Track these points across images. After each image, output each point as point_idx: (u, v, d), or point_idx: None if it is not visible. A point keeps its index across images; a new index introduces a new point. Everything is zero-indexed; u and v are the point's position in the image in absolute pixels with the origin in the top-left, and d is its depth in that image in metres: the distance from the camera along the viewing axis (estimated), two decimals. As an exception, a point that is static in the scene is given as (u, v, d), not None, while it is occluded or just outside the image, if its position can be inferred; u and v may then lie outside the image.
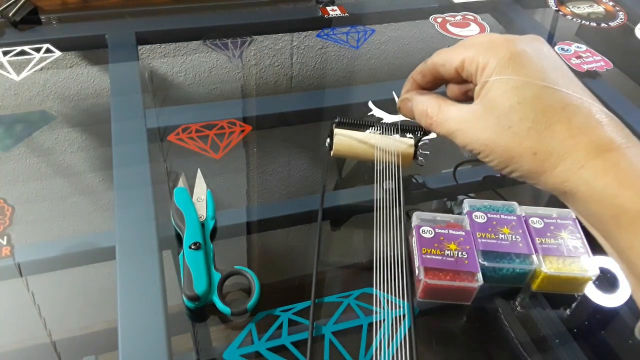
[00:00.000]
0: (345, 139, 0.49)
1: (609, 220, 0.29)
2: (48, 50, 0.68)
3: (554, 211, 0.48)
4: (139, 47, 0.70)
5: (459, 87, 0.38)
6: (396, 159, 0.48)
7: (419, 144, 0.49)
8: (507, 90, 0.32)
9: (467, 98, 0.36)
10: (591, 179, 0.29)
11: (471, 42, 0.36)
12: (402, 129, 0.50)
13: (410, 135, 0.50)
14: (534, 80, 0.31)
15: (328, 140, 0.51)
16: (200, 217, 0.47)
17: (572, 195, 0.30)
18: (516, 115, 0.31)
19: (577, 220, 0.47)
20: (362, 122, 0.48)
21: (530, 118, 0.31)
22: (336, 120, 0.49)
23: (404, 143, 0.50)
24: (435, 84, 0.40)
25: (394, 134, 0.50)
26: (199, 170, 0.52)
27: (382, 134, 0.49)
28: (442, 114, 0.36)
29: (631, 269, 0.28)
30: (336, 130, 0.50)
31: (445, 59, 0.37)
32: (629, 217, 0.28)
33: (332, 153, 0.50)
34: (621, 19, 0.84)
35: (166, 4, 0.79)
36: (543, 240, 0.45)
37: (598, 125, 0.30)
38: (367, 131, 0.50)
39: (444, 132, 0.36)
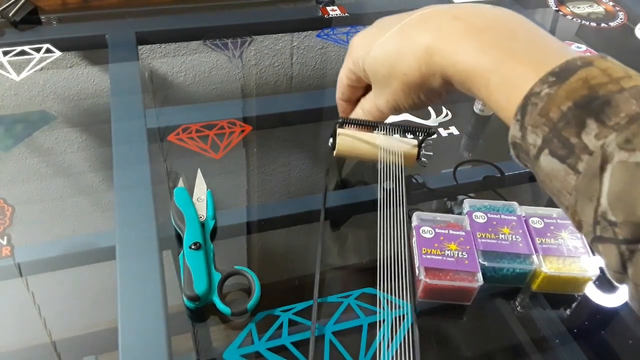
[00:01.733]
0: (348, 139, 0.49)
1: (464, 86, 0.34)
2: (48, 50, 0.68)
3: (554, 211, 0.48)
4: (139, 47, 0.70)
5: None
6: (399, 160, 0.48)
7: (422, 144, 0.49)
8: (365, 67, 0.41)
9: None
10: (440, 61, 0.34)
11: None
12: (405, 129, 0.50)
13: (414, 136, 0.50)
14: (372, 39, 0.40)
15: (331, 140, 0.51)
16: (200, 217, 0.47)
17: (449, 79, 0.35)
18: (379, 66, 0.39)
19: (577, 220, 0.47)
20: (366, 122, 0.48)
21: (385, 58, 0.38)
22: (339, 120, 0.49)
23: (408, 144, 0.50)
24: (359, 100, 0.47)
25: (397, 134, 0.50)
26: (199, 170, 0.52)
27: (386, 134, 0.49)
28: (367, 102, 0.45)
29: (497, 115, 0.32)
30: (339, 130, 0.50)
31: (340, 88, 0.47)
32: (468, 77, 0.32)
33: (335, 153, 0.50)
34: (621, 19, 0.84)
35: (166, 4, 0.79)
36: (543, 241, 0.45)
37: (424, 25, 0.36)
38: (370, 131, 0.50)
39: (380, 117, 0.45)
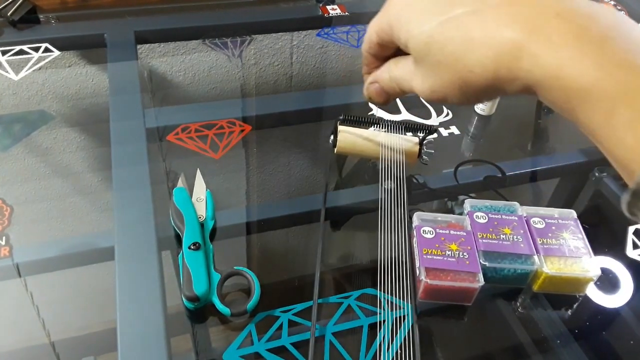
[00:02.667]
0: (349, 136, 0.49)
1: (564, 105, 0.27)
2: (47, 50, 0.68)
3: (555, 211, 0.48)
4: (138, 46, 0.70)
5: None
6: (401, 157, 0.48)
7: (424, 142, 0.49)
8: (410, 45, 0.32)
9: None
10: (532, 68, 0.27)
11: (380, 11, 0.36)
12: (407, 127, 0.49)
13: (414, 134, 0.50)
14: (430, 12, 0.31)
15: (332, 137, 0.51)
16: (200, 218, 0.46)
17: (532, 90, 0.28)
18: (435, 49, 0.31)
19: (578, 221, 0.47)
20: (367, 120, 0.48)
21: (446, 42, 0.30)
22: (340, 117, 0.49)
23: (409, 141, 0.49)
24: (385, 62, 0.39)
25: (398, 132, 0.50)
26: (198, 170, 0.52)
27: (387, 131, 0.49)
28: (398, 69, 0.36)
29: (604, 148, 0.26)
30: (340, 127, 0.50)
31: (368, 42, 0.38)
32: (578, 97, 0.26)
33: (335, 150, 0.50)
34: (622, 18, 0.84)
35: (165, 3, 0.78)
36: (544, 241, 0.45)
37: (513, 13, 0.28)
38: (371, 129, 0.50)
39: (406, 88, 0.36)
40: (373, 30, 0.36)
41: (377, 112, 0.62)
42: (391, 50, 0.38)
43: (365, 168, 0.56)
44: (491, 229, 0.45)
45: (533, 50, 0.27)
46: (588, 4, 0.27)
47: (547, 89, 0.27)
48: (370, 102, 0.40)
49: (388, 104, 0.40)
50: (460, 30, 0.29)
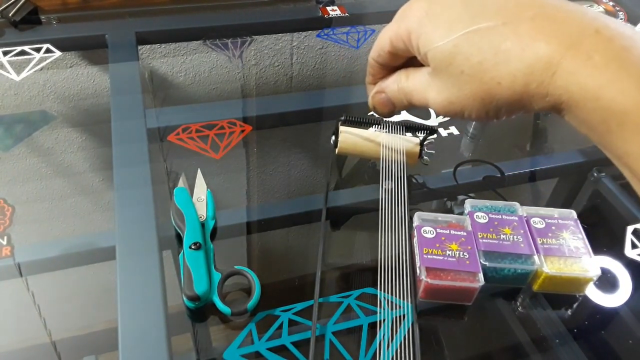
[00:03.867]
0: (350, 137, 0.50)
1: (598, 127, 0.26)
2: (48, 50, 0.68)
3: (555, 211, 0.48)
4: (139, 47, 0.70)
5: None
6: (402, 158, 0.48)
7: (425, 142, 0.49)
8: (430, 56, 0.31)
9: None
10: (568, 85, 0.26)
11: (394, 19, 0.34)
12: (408, 127, 0.50)
13: (415, 134, 0.50)
14: (457, 21, 0.30)
15: (333, 137, 0.51)
16: (201, 217, 0.46)
17: (561, 108, 0.27)
18: (459, 59, 0.29)
19: (578, 221, 0.47)
20: (368, 120, 0.49)
21: (473, 52, 0.29)
22: (342, 118, 0.49)
23: (410, 142, 0.50)
24: (391, 72, 0.37)
25: (399, 132, 0.50)
26: (199, 170, 0.52)
27: (388, 132, 0.49)
28: (409, 81, 0.35)
29: (634, 173, 0.25)
30: (342, 128, 0.50)
31: (378, 49, 0.36)
32: (616, 119, 0.25)
33: (337, 151, 0.50)
34: (621, 18, 0.84)
35: (166, 4, 0.79)
36: (544, 241, 0.45)
37: (549, 27, 0.27)
38: (372, 129, 0.50)
39: (417, 101, 0.35)
40: (387, 37, 0.35)
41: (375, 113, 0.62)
42: (402, 60, 0.36)
43: (366, 168, 0.56)
44: (491, 229, 0.46)
45: (570, 67, 0.25)
46: (623, 23, 0.27)
47: (581, 108, 0.26)
48: (374, 112, 0.39)
49: (392, 115, 0.39)
50: (491, 41, 0.28)
